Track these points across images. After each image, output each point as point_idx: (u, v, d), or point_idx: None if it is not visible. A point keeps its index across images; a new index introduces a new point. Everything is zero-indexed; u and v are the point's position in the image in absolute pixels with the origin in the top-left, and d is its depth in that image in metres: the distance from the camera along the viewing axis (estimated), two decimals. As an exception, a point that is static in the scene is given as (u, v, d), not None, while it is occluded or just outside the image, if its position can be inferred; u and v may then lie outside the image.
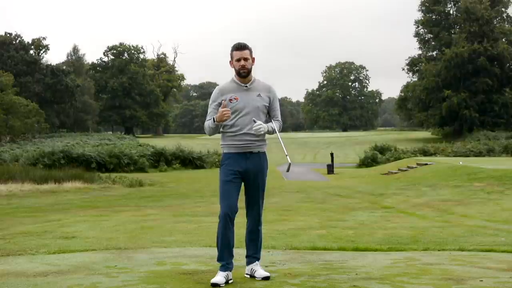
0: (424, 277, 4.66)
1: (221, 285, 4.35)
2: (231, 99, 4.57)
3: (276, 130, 4.66)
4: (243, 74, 4.58)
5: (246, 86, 4.62)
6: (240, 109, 4.56)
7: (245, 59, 4.56)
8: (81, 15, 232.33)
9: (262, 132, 4.54)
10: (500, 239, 8.77)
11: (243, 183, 4.69)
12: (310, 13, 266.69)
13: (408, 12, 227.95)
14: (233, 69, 4.63)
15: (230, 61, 4.64)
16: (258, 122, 4.53)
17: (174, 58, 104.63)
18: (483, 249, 6.99)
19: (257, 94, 4.63)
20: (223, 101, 4.53)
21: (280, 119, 4.78)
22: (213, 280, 4.37)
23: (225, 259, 4.53)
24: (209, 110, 4.67)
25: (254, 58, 4.64)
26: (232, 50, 4.61)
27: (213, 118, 4.56)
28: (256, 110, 4.58)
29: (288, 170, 4.77)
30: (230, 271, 4.52)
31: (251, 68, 4.60)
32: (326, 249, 6.92)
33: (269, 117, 4.74)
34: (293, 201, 16.54)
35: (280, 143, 4.74)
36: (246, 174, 4.61)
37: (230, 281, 4.46)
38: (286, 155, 4.64)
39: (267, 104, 4.67)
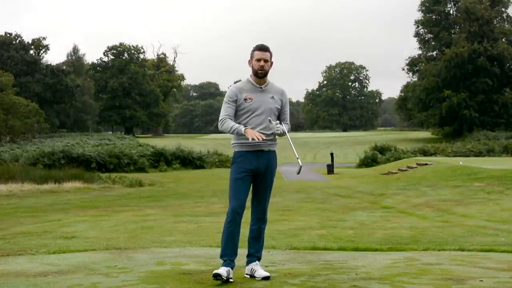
0: (424, 277, 4.66)
1: (223, 277, 4.38)
2: (245, 99, 4.68)
3: (286, 132, 4.75)
4: (260, 75, 4.69)
5: (261, 88, 4.74)
6: (254, 109, 4.68)
7: (265, 61, 4.69)
8: (81, 15, 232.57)
9: (278, 132, 4.66)
10: (500, 239, 8.77)
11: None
12: (310, 13, 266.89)
13: (408, 12, 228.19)
14: (251, 68, 4.74)
15: (249, 60, 4.75)
16: (276, 122, 4.66)
17: (174, 58, 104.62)
18: (483, 249, 6.99)
19: (271, 96, 4.76)
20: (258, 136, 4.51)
21: (289, 123, 4.90)
22: (216, 271, 4.42)
23: (228, 256, 4.56)
24: (225, 106, 4.72)
25: (272, 62, 4.76)
26: (253, 50, 4.73)
27: (243, 130, 4.55)
28: (268, 112, 4.71)
29: (298, 173, 4.86)
30: (232, 268, 4.54)
31: (268, 71, 4.73)
32: (326, 249, 6.93)
33: (279, 119, 4.84)
34: (293, 201, 16.53)
35: (289, 145, 4.83)
36: (256, 172, 4.69)
37: (230, 280, 4.46)
38: (297, 158, 4.72)
39: (279, 107, 4.81)
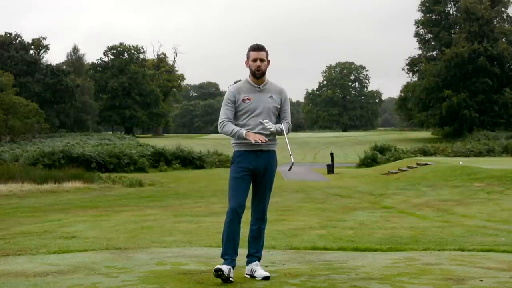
0: (424, 277, 4.66)
1: (225, 273, 4.38)
2: (244, 99, 4.67)
3: (284, 131, 4.74)
4: (258, 75, 4.68)
5: (259, 88, 4.73)
6: (253, 109, 4.67)
7: (261, 60, 4.66)
8: (81, 15, 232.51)
9: (271, 130, 4.62)
10: (500, 239, 8.77)
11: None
12: (310, 13, 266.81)
13: (408, 12, 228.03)
14: (248, 69, 4.72)
15: (245, 61, 4.74)
16: (265, 120, 4.64)
17: (174, 58, 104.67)
18: (483, 249, 6.99)
19: (270, 96, 4.74)
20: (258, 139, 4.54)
21: (289, 122, 4.87)
22: (218, 266, 4.43)
23: (229, 255, 4.56)
24: (224, 108, 4.72)
25: (269, 61, 4.74)
26: (249, 51, 4.71)
27: (244, 133, 4.56)
28: (267, 111, 4.69)
29: (290, 169, 4.89)
30: (233, 267, 4.54)
31: (265, 70, 4.70)
32: (326, 249, 6.92)
33: (279, 118, 4.83)
34: (293, 201, 16.53)
35: (285, 143, 4.81)
36: (256, 172, 4.69)
37: (230, 279, 4.45)
38: (290, 155, 4.74)
39: (278, 106, 4.78)
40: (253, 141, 4.51)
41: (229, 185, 4.68)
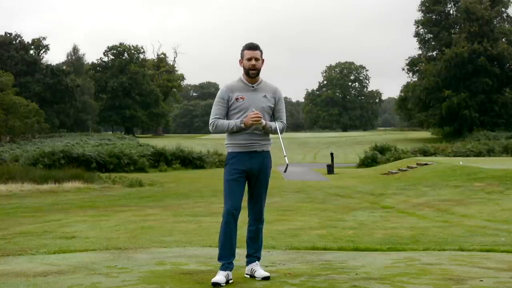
0: (424, 277, 4.66)
1: (222, 285, 4.36)
2: (237, 98, 4.61)
3: (278, 130, 4.67)
4: (252, 74, 4.62)
5: (253, 87, 4.67)
6: (246, 108, 4.60)
7: (256, 59, 4.61)
8: (81, 15, 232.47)
9: (263, 124, 4.54)
10: (500, 239, 8.78)
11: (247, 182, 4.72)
12: (310, 13, 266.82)
13: (408, 12, 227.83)
14: (242, 68, 4.67)
15: (240, 60, 4.68)
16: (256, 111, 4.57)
17: (174, 58, 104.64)
18: (483, 249, 6.99)
19: (263, 95, 4.68)
20: (251, 112, 4.53)
21: (284, 121, 4.79)
22: (214, 280, 4.39)
23: (226, 258, 4.54)
24: (215, 107, 4.67)
25: (264, 60, 4.69)
26: (243, 49, 4.66)
27: (241, 121, 4.53)
28: (261, 111, 4.61)
29: (285, 171, 4.81)
30: (230, 270, 4.53)
31: (260, 69, 4.65)
32: (326, 249, 6.93)
33: (273, 118, 4.77)
34: (293, 201, 16.54)
35: (280, 143, 4.76)
36: (250, 173, 4.64)
37: (230, 281, 4.46)
38: (285, 156, 4.65)
39: (272, 105, 4.72)
40: (251, 123, 4.46)
41: (224, 188, 4.62)
